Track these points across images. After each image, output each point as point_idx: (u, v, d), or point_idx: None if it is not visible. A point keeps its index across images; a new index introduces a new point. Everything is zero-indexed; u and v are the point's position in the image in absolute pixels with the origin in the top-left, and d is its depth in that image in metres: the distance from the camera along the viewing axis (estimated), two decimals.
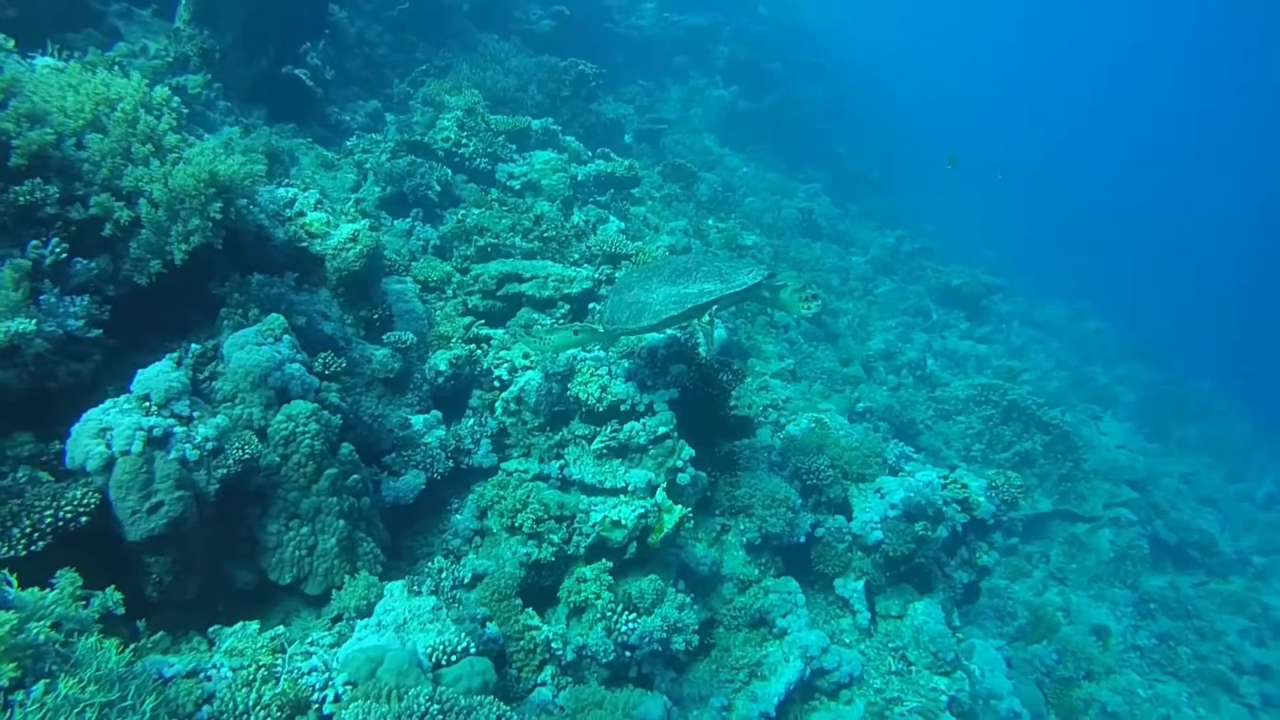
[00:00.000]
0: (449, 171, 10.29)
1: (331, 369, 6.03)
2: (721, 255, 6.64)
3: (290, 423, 5.35)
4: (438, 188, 9.84)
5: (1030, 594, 11.72)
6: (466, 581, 6.00)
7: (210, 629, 4.81)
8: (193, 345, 5.49)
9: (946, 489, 8.14)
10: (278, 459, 5.34)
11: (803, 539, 7.55)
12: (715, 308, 6.23)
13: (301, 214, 7.06)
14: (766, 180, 19.85)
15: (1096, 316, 26.25)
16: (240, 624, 4.81)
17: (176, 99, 6.17)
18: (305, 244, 6.88)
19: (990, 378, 16.03)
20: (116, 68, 6.71)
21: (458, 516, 6.58)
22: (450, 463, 6.70)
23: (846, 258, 18.92)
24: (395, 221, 9.46)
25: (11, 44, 5.75)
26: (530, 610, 6.02)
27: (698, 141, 19.98)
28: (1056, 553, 12.90)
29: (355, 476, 5.66)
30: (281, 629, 4.83)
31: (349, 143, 10.36)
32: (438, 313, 8.09)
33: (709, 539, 7.40)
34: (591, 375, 6.96)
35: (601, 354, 7.31)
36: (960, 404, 13.70)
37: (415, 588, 5.20)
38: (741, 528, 7.38)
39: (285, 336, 5.73)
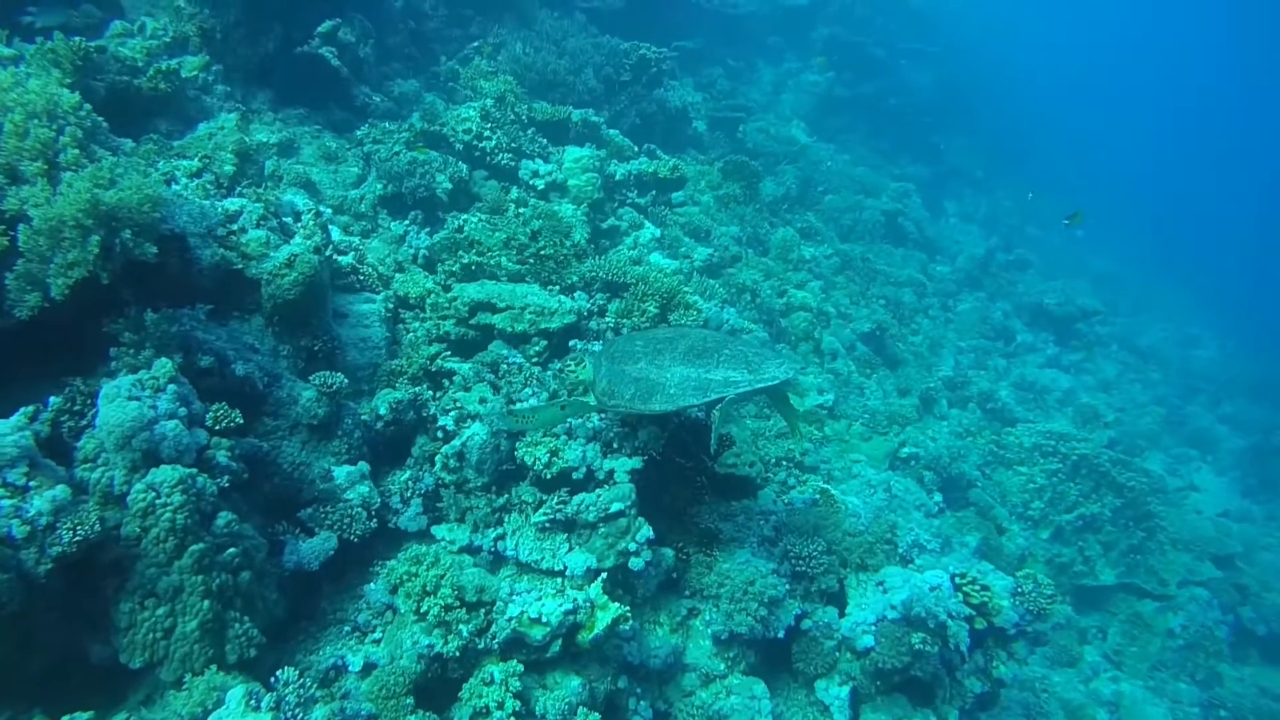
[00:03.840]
0: (465, 168, 9.53)
1: (224, 424, 5.34)
2: (747, 340, 5.78)
3: (150, 493, 4.71)
4: (449, 185, 9.09)
5: (1077, 682, 10.42)
6: (357, 670, 5.38)
7: None
8: (52, 398, 4.89)
9: (963, 589, 7.02)
10: (138, 530, 4.73)
11: (782, 634, 6.59)
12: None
13: (243, 230, 6.41)
14: (852, 176, 18.44)
15: (1211, 343, 23.75)
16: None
17: (88, 107, 5.54)
18: (240, 266, 6.23)
19: (1066, 422, 14.51)
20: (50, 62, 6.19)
21: (370, 586, 5.89)
22: (373, 523, 5.99)
23: (929, 267, 17.46)
24: (393, 224, 8.77)
25: None
26: (423, 714, 5.29)
27: (783, 130, 18.68)
28: (1115, 631, 11.48)
29: (231, 550, 5.00)
30: None
31: (359, 131, 9.67)
32: (407, 337, 7.37)
33: (672, 623, 6.57)
34: (543, 436, 6.15)
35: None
36: (1024, 452, 12.32)
37: (253, 701, 4.51)
38: (708, 618, 6.50)
39: (170, 387, 5.07)
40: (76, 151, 5.21)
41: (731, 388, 5.44)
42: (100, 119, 5.74)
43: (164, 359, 5.17)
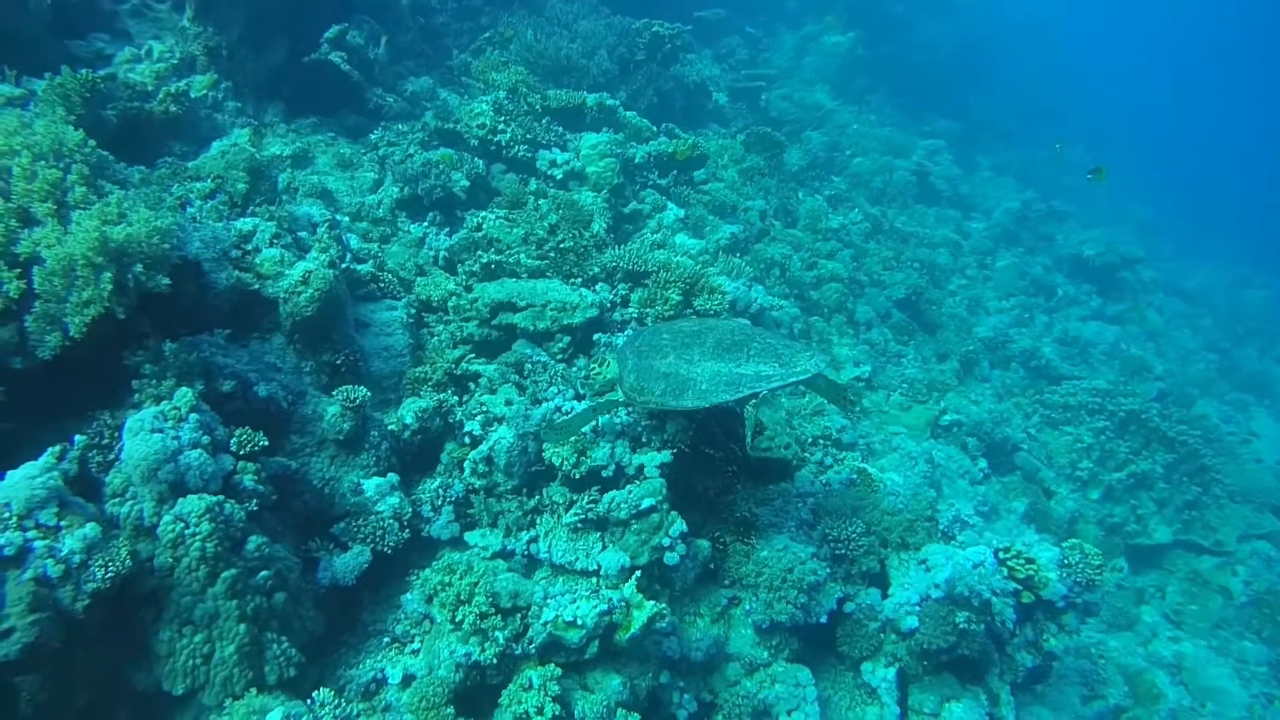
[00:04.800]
0: (481, 163, 9.47)
1: (249, 447, 5.37)
2: (773, 333, 5.72)
3: (179, 524, 4.76)
4: (466, 183, 9.04)
5: (1135, 645, 10.16)
6: (397, 682, 5.42)
7: None
8: (77, 436, 4.95)
9: (1008, 563, 6.87)
10: (170, 560, 4.79)
11: (824, 619, 6.51)
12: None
13: (257, 250, 6.42)
14: (879, 137, 18.06)
15: (1262, 282, 22.79)
16: None
17: (92, 143, 5.56)
18: (256, 287, 6.25)
19: (1114, 373, 14.13)
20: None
21: (407, 596, 5.92)
22: (405, 534, 6.01)
23: (964, 225, 17.08)
24: (412, 227, 8.75)
25: None
26: None
27: (807, 96, 18.36)
28: (1174, 590, 11.18)
29: (264, 574, 5.04)
30: None
31: (374, 135, 9.65)
32: (431, 341, 7.37)
33: (712, 614, 6.50)
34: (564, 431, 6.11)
35: (586, 406, 6.44)
36: (1070, 411, 12.02)
37: None
38: (748, 607, 6.43)
39: (191, 416, 5.10)
40: (84, 189, 5.25)
41: (764, 382, 5.34)
42: (106, 153, 5.78)
43: (184, 388, 5.20)
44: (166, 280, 5.20)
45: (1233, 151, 47.03)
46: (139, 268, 5.06)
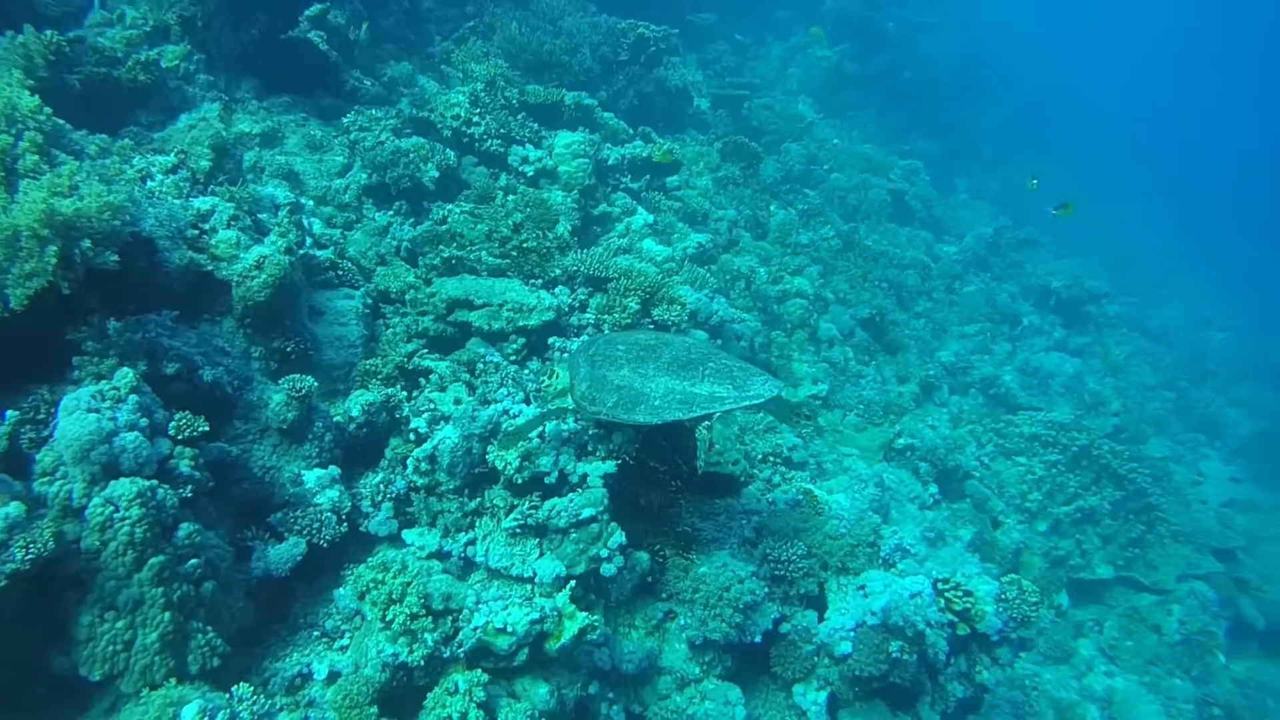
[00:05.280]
0: (453, 155, 9.40)
1: (188, 432, 5.30)
2: (729, 354, 5.72)
3: (108, 507, 4.67)
4: (435, 173, 8.98)
5: (1070, 678, 10.30)
6: (322, 678, 5.39)
7: None
8: (9, 411, 4.86)
9: (945, 594, 6.93)
10: (97, 544, 4.71)
11: (759, 639, 6.52)
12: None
13: (214, 231, 6.34)
14: (858, 153, 18.13)
15: (1226, 325, 23.15)
16: None
17: (48, 110, 5.46)
18: (210, 268, 6.16)
19: (1071, 406, 14.29)
20: None
21: (340, 591, 5.87)
22: (343, 528, 5.96)
23: (935, 248, 17.19)
24: (378, 215, 8.67)
25: None
26: None
27: (790, 107, 18.39)
28: (1112, 625, 11.36)
29: (194, 561, 4.97)
30: None
31: (346, 119, 9.55)
32: (386, 333, 7.31)
33: (647, 627, 6.51)
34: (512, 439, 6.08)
35: (534, 410, 6.42)
36: (1024, 442, 12.14)
37: (207, 718, 4.49)
38: (682, 622, 6.45)
39: (131, 397, 5.02)
40: (36, 157, 5.15)
41: (717, 404, 5.36)
42: (63, 122, 5.67)
43: (125, 369, 5.12)
44: (115, 257, 5.11)
45: (1220, 187, 47.56)
46: (87, 243, 4.97)
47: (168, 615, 4.80)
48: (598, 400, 5.59)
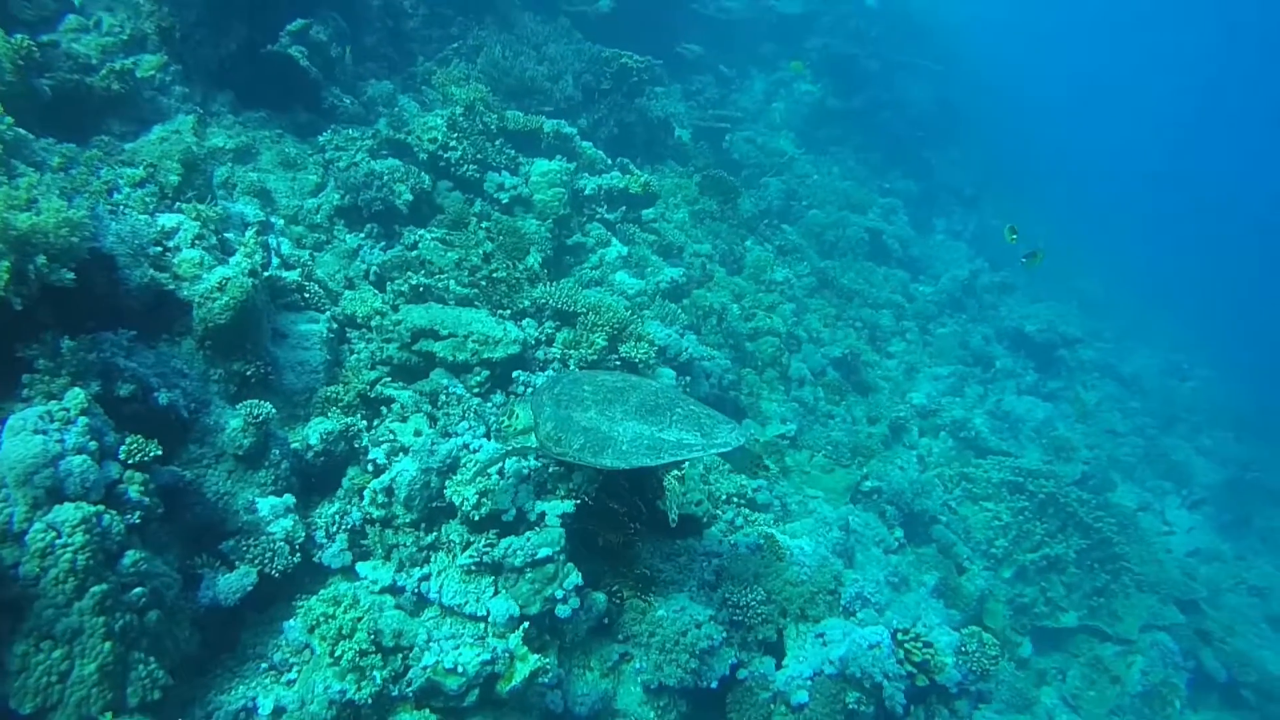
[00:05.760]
0: (427, 179, 9.34)
1: (139, 456, 5.17)
2: (695, 400, 5.68)
3: (50, 532, 4.54)
4: (409, 197, 8.91)
5: None
6: (267, 714, 5.25)
7: None
8: None
9: (905, 645, 6.88)
10: (37, 570, 4.57)
11: (715, 684, 6.43)
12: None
13: (177, 249, 6.23)
14: (838, 190, 18.25)
15: (1196, 373, 23.41)
16: None
17: (9, 119, 5.37)
18: (172, 288, 6.06)
19: (1041, 451, 14.34)
20: None
21: (290, 623, 5.73)
22: (296, 557, 5.84)
23: (911, 287, 17.27)
24: (348, 237, 8.57)
25: None
26: None
27: (771, 141, 18.50)
28: (1075, 674, 11.36)
29: (138, 590, 4.84)
30: None
31: (322, 137, 9.46)
32: (351, 358, 7.20)
33: (602, 668, 6.40)
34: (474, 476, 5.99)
35: (496, 445, 6.34)
36: (992, 487, 12.15)
37: None
38: (638, 665, 6.35)
39: (80, 419, 4.90)
40: None
41: (685, 451, 5.32)
42: (25, 132, 5.58)
43: (76, 389, 5.00)
44: (71, 275, 5.01)
45: (1197, 233, 48.14)
46: (42, 259, 4.87)
47: (108, 645, 4.66)
48: (563, 441, 5.52)
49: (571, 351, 7.66)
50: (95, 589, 4.61)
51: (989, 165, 26.17)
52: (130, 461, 5.14)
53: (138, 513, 5.01)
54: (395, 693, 5.36)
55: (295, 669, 5.63)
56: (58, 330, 5.22)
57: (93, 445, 4.91)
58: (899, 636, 6.92)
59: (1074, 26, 65.48)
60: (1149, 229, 42.62)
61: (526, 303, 7.98)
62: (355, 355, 7.23)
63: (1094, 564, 11.98)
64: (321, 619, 5.46)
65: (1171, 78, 67.01)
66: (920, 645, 6.88)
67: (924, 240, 20.20)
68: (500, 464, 5.96)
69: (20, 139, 5.55)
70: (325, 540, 6.04)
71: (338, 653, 5.31)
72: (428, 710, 5.33)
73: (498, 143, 10.25)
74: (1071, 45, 63.82)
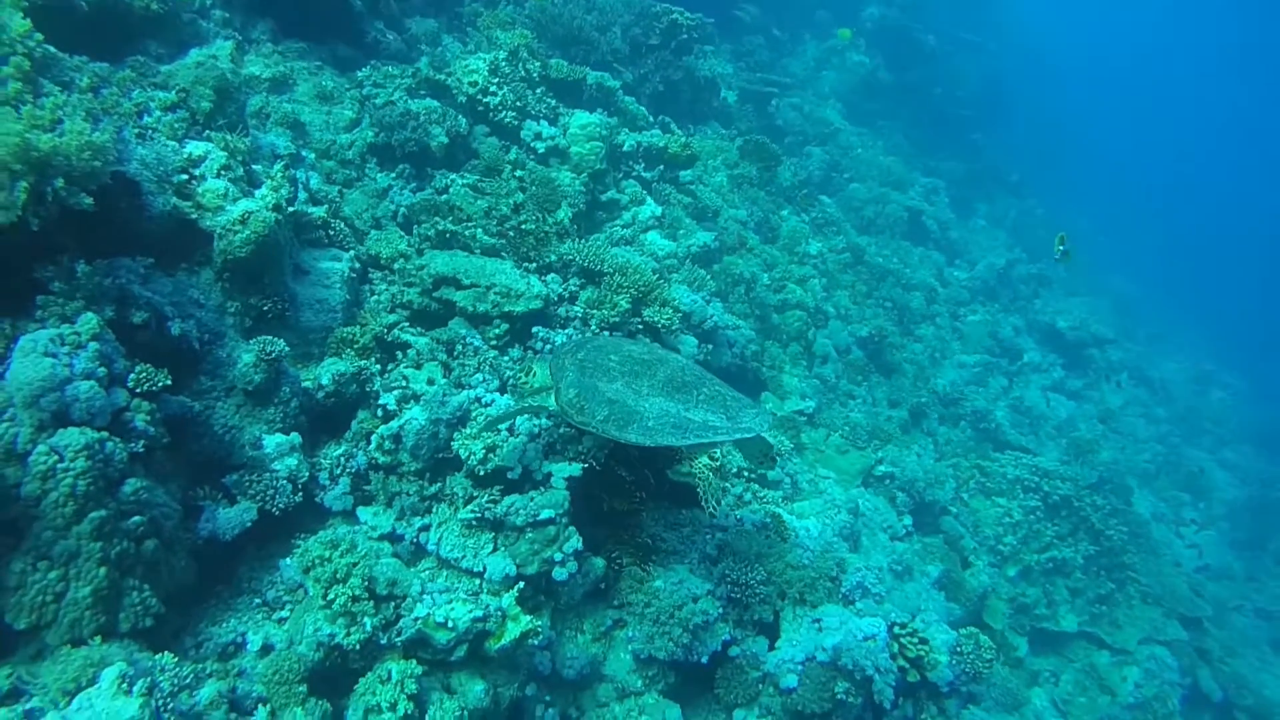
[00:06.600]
0: (464, 122, 9.20)
1: (148, 385, 5.15)
2: (719, 380, 5.62)
3: (52, 456, 4.55)
4: (445, 140, 8.78)
5: None
6: (256, 649, 5.33)
7: None
8: None
9: (902, 638, 6.82)
10: (38, 491, 4.58)
11: (705, 659, 6.41)
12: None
13: (202, 178, 6.17)
14: (881, 165, 17.90)
15: (1226, 383, 23.01)
16: None
17: (39, 36, 5.28)
18: (194, 217, 6.00)
19: (1060, 451, 14.14)
20: None
21: (286, 561, 5.76)
22: (299, 497, 5.84)
23: (946, 271, 16.99)
24: (379, 176, 8.48)
25: None
26: (316, 702, 5.17)
27: (818, 110, 18.15)
28: (1068, 678, 11.26)
29: (136, 519, 4.85)
30: None
31: (361, 73, 9.33)
32: (371, 299, 7.16)
33: (595, 633, 6.40)
34: (483, 430, 5.95)
35: (509, 401, 6.29)
36: (1006, 483, 11.99)
37: (126, 684, 4.37)
38: (630, 634, 6.34)
39: (91, 344, 4.89)
40: (19, 85, 4.99)
41: (710, 433, 5.28)
42: (54, 49, 5.48)
43: (89, 314, 4.99)
44: (89, 201, 4.95)
45: (1238, 240, 46.95)
46: (60, 181, 4.82)
47: (103, 571, 4.69)
48: (586, 410, 5.47)
49: (594, 311, 7.56)
50: (94, 514, 4.63)
51: (1037, 150, 25.65)
52: (139, 390, 5.13)
53: (142, 441, 5.02)
54: (384, 641, 5.36)
55: (288, 608, 5.67)
56: (75, 254, 5.20)
57: (101, 371, 4.90)
58: (896, 630, 6.86)
59: (1140, 10, 63.50)
60: (1196, 231, 41.66)
61: (553, 257, 7.87)
62: (375, 297, 7.18)
63: (1101, 571, 11.84)
64: (317, 561, 5.44)
65: (1237, 74, 64.91)
66: (916, 641, 6.82)
67: (964, 224, 19.84)
68: (511, 421, 5.91)
69: (50, 57, 5.49)
70: (328, 482, 6.04)
71: (330, 596, 5.31)
72: (414, 661, 5.32)
73: (539, 91, 10.08)
74: (1136, 29, 61.96)
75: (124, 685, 4.39)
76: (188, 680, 4.71)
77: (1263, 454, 20.04)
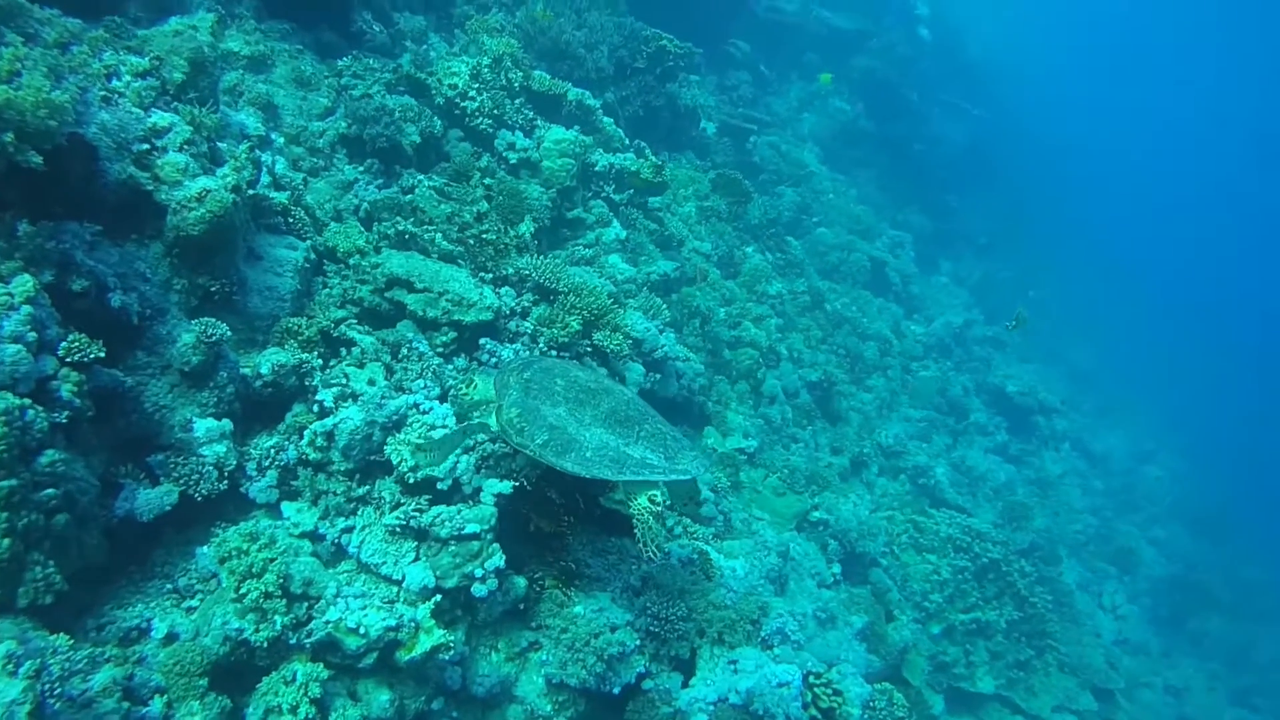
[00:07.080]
0: (439, 124, 9.17)
1: (79, 355, 5.03)
2: (661, 418, 5.64)
3: None
4: (417, 139, 8.75)
5: None
6: (160, 637, 5.18)
7: None
8: None
9: (816, 688, 6.84)
10: None
11: (618, 690, 6.37)
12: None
13: (164, 150, 6.06)
14: (852, 214, 18.13)
15: (1164, 463, 23.50)
16: None
17: None
18: (150, 189, 5.89)
19: (995, 514, 14.34)
20: None
21: (203, 549, 5.63)
22: (224, 485, 5.72)
23: (903, 324, 17.20)
24: (347, 168, 8.40)
25: None
26: (216, 697, 5.06)
27: (795, 151, 18.33)
28: None
29: (50, 491, 4.72)
30: None
31: (342, 62, 9.25)
32: (322, 292, 7.06)
33: (509, 652, 6.33)
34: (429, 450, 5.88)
35: (447, 409, 6.23)
36: (938, 541, 12.11)
37: (12, 665, 4.24)
38: (545, 657, 6.28)
39: (24, 308, 4.76)
40: None
41: (647, 471, 5.32)
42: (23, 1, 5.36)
43: (25, 276, 4.86)
44: (39, 158, 4.85)
45: (1203, 323, 47.81)
46: (9, 135, 4.71)
47: (7, 542, 4.54)
48: (526, 433, 5.46)
49: (544, 329, 7.53)
50: (3, 483, 4.49)
51: (1011, 216, 26.07)
52: (69, 359, 5.00)
53: (66, 412, 4.89)
54: (294, 641, 5.28)
55: (199, 597, 5.55)
56: (19, 212, 5.07)
57: (31, 336, 4.77)
58: (811, 679, 6.88)
59: (1130, 85, 64.86)
60: (1159, 308, 42.50)
61: (510, 270, 7.83)
62: (327, 290, 7.08)
63: (1022, 637, 12.00)
64: (234, 553, 5.34)
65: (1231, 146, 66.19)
66: (830, 692, 6.85)
67: (926, 279, 20.14)
68: (458, 448, 5.89)
69: (15, 6, 5.36)
70: (256, 473, 5.93)
71: (243, 590, 5.21)
72: (322, 665, 5.24)
73: (518, 101, 10.08)
74: (1126, 104, 63.23)
75: (9, 665, 4.24)
76: (81, 664, 4.57)
77: (1191, 535, 20.51)
